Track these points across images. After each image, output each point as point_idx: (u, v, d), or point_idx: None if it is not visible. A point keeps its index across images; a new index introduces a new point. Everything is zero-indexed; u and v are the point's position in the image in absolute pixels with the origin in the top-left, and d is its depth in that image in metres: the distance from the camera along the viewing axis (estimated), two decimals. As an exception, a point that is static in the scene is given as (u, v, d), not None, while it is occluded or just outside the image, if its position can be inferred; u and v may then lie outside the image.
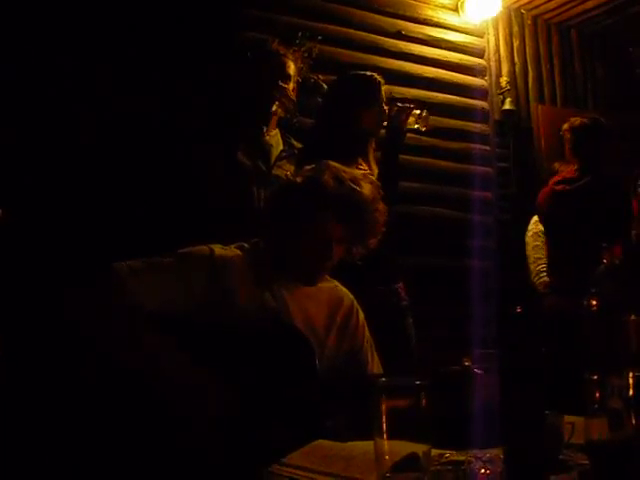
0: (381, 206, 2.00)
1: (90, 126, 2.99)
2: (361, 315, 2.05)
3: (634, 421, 1.38)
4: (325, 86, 3.48)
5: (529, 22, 4.81)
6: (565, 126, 3.59)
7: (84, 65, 3.02)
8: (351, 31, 3.95)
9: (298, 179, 2.00)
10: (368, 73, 2.91)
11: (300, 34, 3.44)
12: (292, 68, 2.87)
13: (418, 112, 2.78)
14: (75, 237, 2.78)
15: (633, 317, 1.99)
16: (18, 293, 2.43)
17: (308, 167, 2.05)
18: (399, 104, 2.81)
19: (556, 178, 3.58)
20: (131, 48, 3.13)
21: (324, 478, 1.40)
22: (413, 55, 4.11)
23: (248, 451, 1.61)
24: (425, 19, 4.22)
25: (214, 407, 1.65)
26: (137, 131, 3.03)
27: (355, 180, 1.97)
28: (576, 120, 3.55)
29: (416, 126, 2.79)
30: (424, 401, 1.26)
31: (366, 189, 1.97)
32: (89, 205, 2.91)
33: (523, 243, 3.80)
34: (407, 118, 2.77)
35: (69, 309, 1.75)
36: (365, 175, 2.07)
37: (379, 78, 2.89)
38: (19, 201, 2.76)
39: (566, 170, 3.57)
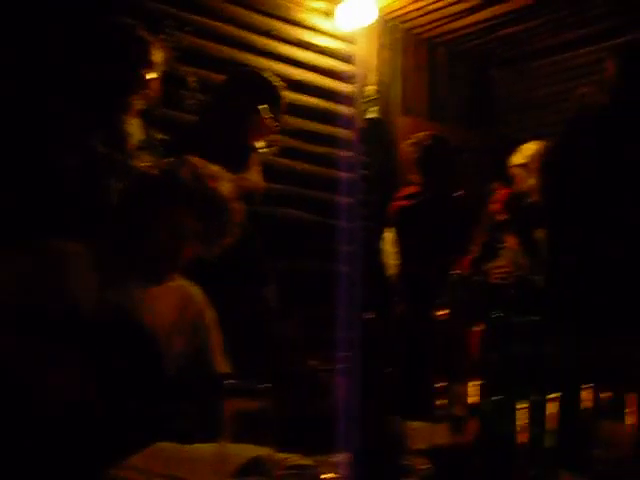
0: (237, 205, 1.96)
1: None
2: (210, 314, 1.99)
3: (474, 427, 1.42)
4: (192, 79, 3.41)
5: (401, 35, 4.91)
6: (409, 142, 3.66)
7: None
8: (222, 25, 3.88)
9: (153, 171, 1.93)
10: (266, 75, 2.90)
11: (167, 23, 3.36)
12: (157, 57, 2.76)
13: None
14: None
15: (477, 327, 2.07)
16: None
17: (166, 160, 1.99)
18: None
19: (403, 193, 3.66)
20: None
21: (163, 481, 1.36)
22: (283, 56, 4.10)
23: (91, 450, 1.53)
24: (298, 21, 4.21)
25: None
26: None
27: (214, 177, 1.92)
28: (421, 136, 3.63)
29: None
30: (270, 403, 1.24)
31: (224, 187, 1.93)
32: None
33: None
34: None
35: None
36: (224, 173, 2.01)
37: (277, 82, 2.89)
38: None
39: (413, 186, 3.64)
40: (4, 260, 1.72)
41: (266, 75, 2.97)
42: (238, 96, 2.85)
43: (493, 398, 1.34)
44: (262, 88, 2.89)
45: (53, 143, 2.54)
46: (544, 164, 2.83)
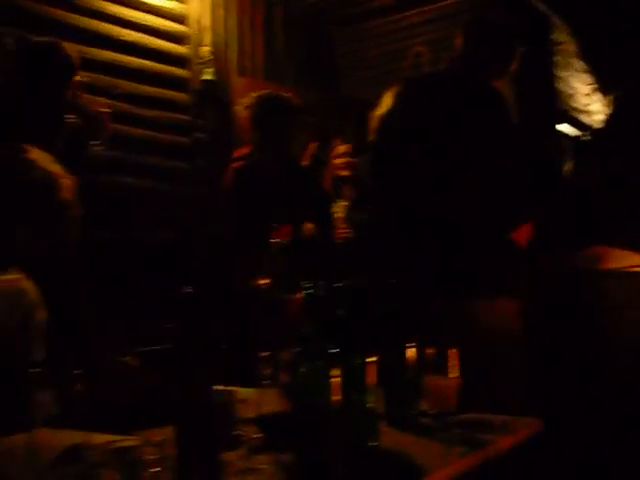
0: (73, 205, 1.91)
1: None
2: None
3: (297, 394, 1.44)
4: (8, 40, 3.19)
5: (235, -7, 4.80)
6: (243, 101, 3.58)
7: None
8: (44, -18, 3.64)
9: None
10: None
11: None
12: None
13: None
14: None
15: (298, 295, 2.09)
16: None
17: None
18: None
19: (236, 154, 3.58)
20: None
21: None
22: (110, 15, 3.90)
23: None
24: (127, -21, 4.03)
25: None
26: None
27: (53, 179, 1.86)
28: (254, 95, 3.55)
29: None
30: (83, 388, 1.21)
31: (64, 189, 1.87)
32: None
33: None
34: None
35: None
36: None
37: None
38: None
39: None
40: None
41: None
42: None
43: (309, 364, 1.35)
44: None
45: None
46: (379, 124, 2.86)
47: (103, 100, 3.25)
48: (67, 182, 1.93)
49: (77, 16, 3.74)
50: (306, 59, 5.33)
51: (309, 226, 3.23)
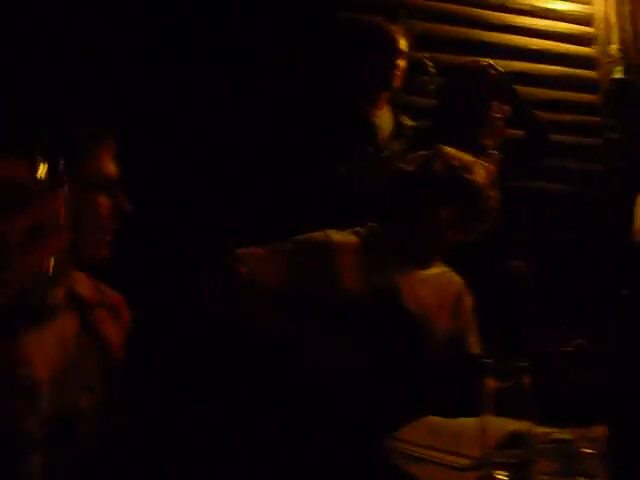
0: (493, 193, 2.06)
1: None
2: (469, 299, 2.11)
3: None
4: (430, 64, 3.49)
5: (639, -14, 4.60)
6: None
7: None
8: (454, 6, 3.91)
9: (410, 167, 2.08)
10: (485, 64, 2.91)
11: (401, 11, 3.45)
12: (403, 44, 2.89)
13: None
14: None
15: None
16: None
17: (421, 153, 2.13)
18: None
19: None
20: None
21: (432, 453, 1.48)
22: (518, 27, 4.03)
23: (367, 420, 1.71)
24: (530, -10, 4.12)
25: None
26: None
27: (468, 167, 2.03)
28: None
29: None
30: (526, 381, 1.31)
31: (479, 175, 2.03)
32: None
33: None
34: None
35: (198, 292, 1.92)
36: (478, 161, 2.12)
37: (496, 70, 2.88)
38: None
39: None
40: (293, 263, 1.96)
41: (497, 67, 2.96)
42: (470, 91, 2.88)
43: None
44: (495, 83, 2.90)
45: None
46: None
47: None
48: (492, 193, 2.09)
49: (488, 32, 3.93)
50: None
51: None
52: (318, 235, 2.02)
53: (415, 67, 3.46)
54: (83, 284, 1.53)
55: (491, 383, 1.32)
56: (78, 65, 2.75)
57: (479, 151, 2.78)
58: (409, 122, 3.00)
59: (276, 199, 2.92)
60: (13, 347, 1.31)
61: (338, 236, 2.03)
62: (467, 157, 2.09)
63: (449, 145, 2.11)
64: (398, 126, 2.95)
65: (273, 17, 3.22)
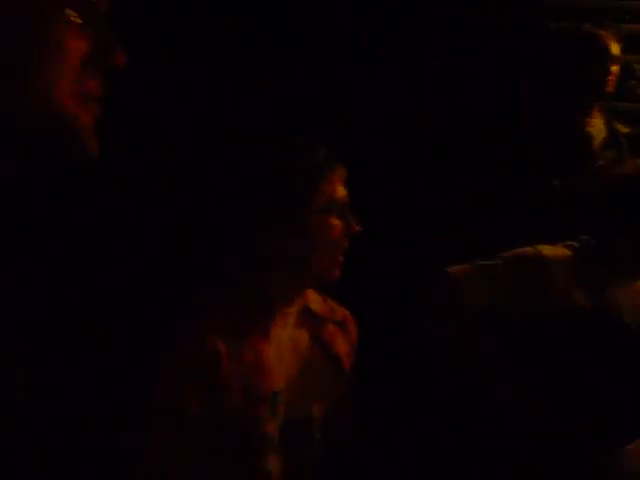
0: None
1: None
2: None
3: None
4: (637, 67, 3.34)
5: None
6: None
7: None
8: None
9: (626, 176, 2.01)
10: None
11: (607, 16, 3.33)
12: (615, 49, 2.84)
13: None
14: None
15: None
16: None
17: (638, 161, 2.06)
18: None
19: None
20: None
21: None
22: None
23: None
24: None
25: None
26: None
27: None
28: None
29: None
30: None
31: None
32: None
33: None
34: None
35: (414, 308, 1.97)
36: None
37: None
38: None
39: None
40: (504, 281, 1.96)
41: None
42: None
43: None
44: None
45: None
46: None
47: None
48: None
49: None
50: None
51: None
52: (528, 250, 1.99)
53: (623, 71, 3.34)
54: (315, 300, 1.63)
55: None
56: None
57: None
58: (623, 128, 2.90)
59: (483, 211, 2.91)
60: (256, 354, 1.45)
61: (549, 250, 1.98)
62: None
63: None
64: (612, 133, 2.86)
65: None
